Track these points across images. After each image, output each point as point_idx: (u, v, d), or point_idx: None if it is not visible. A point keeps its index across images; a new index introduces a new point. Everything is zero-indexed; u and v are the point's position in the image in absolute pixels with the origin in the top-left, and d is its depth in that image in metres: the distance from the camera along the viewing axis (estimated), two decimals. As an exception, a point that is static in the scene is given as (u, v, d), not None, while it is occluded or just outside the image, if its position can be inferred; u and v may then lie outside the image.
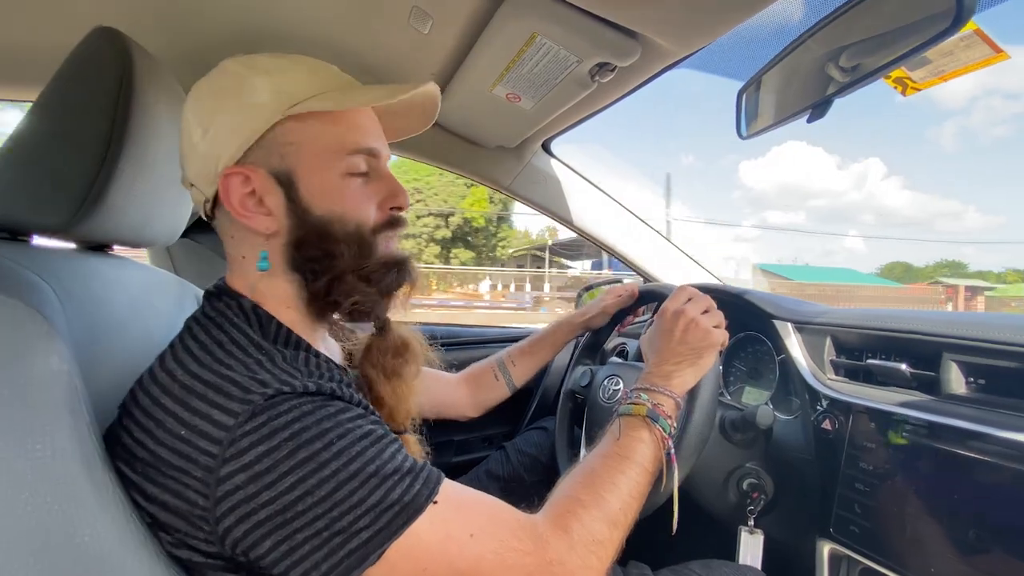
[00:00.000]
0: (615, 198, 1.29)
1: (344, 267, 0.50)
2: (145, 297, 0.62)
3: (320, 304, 0.52)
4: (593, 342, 1.05)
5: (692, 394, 0.68)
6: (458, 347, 1.31)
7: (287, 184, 0.48)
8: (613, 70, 0.72)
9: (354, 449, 0.41)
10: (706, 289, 1.05)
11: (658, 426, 0.58)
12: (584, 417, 0.92)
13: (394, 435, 0.45)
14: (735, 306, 0.97)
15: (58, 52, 0.54)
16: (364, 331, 0.64)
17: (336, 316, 0.55)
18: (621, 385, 0.87)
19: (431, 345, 0.65)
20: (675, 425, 0.61)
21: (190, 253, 1.09)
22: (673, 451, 0.59)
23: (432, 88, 0.54)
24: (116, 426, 0.44)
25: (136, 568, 0.40)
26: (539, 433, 1.09)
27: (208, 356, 0.43)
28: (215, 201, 0.50)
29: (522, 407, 1.33)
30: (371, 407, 0.47)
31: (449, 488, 0.45)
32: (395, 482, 0.41)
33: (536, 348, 0.95)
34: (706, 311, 0.68)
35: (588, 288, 1.67)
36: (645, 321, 1.23)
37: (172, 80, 0.61)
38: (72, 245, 0.58)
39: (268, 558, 0.39)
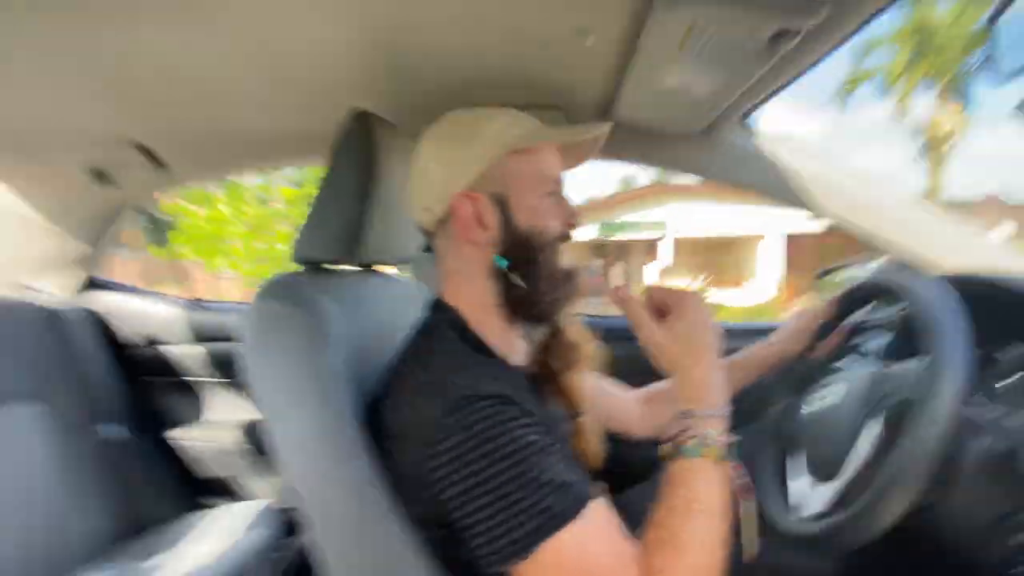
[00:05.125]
0: (838, 166, 1.07)
1: (543, 274, 0.61)
2: (400, 306, 0.83)
3: (514, 306, 0.64)
4: (782, 378, 0.90)
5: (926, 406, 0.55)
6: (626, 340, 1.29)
7: (503, 204, 0.61)
8: (796, 36, 0.62)
9: (520, 455, 0.50)
10: (982, 281, 0.79)
11: (729, 460, 0.54)
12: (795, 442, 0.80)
13: (556, 446, 0.53)
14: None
15: (320, 132, 0.79)
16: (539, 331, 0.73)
17: (524, 318, 0.66)
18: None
19: (595, 339, 0.71)
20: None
21: (427, 264, 1.41)
22: (739, 482, 0.54)
23: (605, 128, 0.65)
24: (380, 407, 0.61)
25: (375, 516, 0.57)
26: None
27: (430, 359, 0.59)
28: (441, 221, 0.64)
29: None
30: (537, 414, 0.56)
31: (595, 511, 0.50)
32: (548, 491, 0.48)
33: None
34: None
35: (827, 272, 1.40)
36: (886, 316, 0.99)
37: (404, 140, 0.81)
38: (348, 267, 0.83)
39: (454, 526, 0.51)
